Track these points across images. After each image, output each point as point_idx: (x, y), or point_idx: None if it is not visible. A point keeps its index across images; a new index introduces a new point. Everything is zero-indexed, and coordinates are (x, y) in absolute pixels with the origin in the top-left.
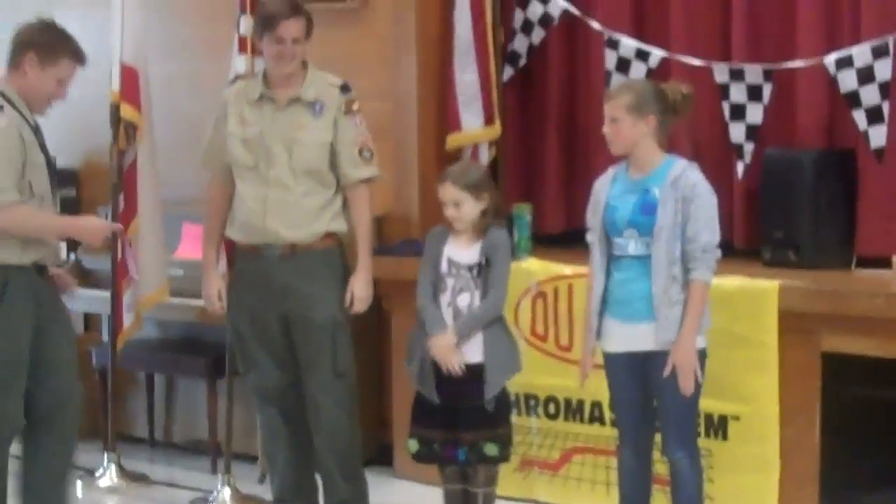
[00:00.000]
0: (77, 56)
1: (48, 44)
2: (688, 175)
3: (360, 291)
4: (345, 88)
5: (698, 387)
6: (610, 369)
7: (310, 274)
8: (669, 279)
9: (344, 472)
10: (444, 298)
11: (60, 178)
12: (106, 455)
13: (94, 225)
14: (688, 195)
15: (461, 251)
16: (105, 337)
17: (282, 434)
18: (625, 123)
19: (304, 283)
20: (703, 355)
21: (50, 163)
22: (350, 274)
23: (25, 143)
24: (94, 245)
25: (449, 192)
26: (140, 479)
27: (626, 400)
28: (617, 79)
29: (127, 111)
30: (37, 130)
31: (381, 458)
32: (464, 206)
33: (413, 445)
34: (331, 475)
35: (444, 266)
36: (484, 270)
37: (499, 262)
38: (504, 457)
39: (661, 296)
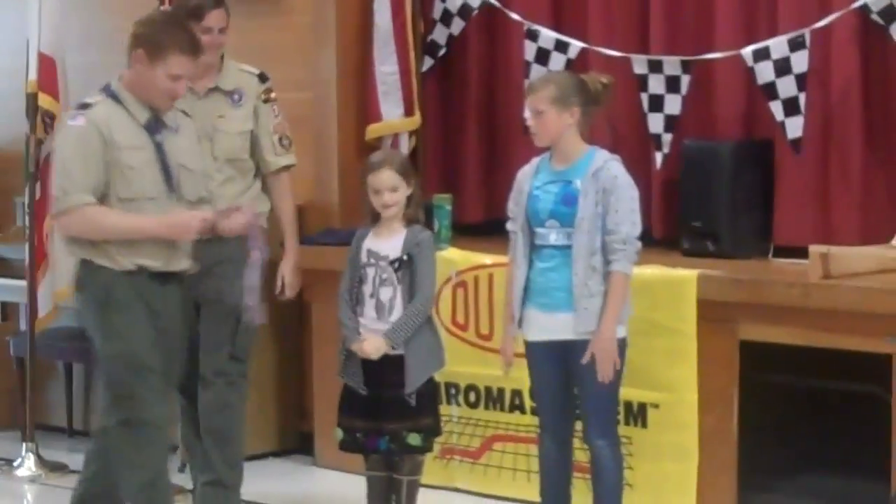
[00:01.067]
0: (187, 49)
1: (156, 39)
2: (609, 167)
3: (290, 277)
4: (262, 77)
5: (619, 375)
6: (531, 358)
7: (228, 259)
8: (589, 270)
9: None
10: (366, 289)
11: None
12: (24, 445)
13: (181, 220)
14: (608, 187)
15: (381, 242)
16: (23, 326)
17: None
18: (549, 115)
19: (219, 268)
20: (623, 344)
21: (167, 164)
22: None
23: (110, 144)
24: (187, 240)
25: (387, 177)
26: (59, 468)
27: (547, 388)
28: (536, 70)
29: (45, 100)
30: (154, 128)
31: (302, 447)
32: (399, 191)
33: (338, 434)
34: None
35: (363, 257)
36: (405, 266)
37: (424, 261)
38: (427, 447)
39: (580, 286)
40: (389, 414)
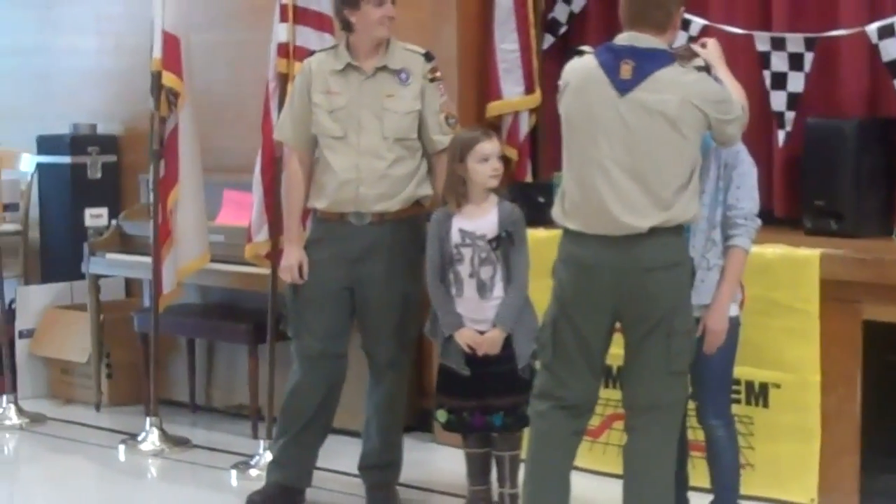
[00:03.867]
0: None
1: None
2: None
3: None
4: (428, 56)
5: (732, 355)
6: None
7: (392, 243)
8: (710, 243)
9: (386, 439)
10: (464, 269)
11: (101, 144)
12: (148, 419)
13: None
14: (730, 162)
15: (474, 222)
16: (147, 302)
17: (317, 391)
18: None
19: (384, 253)
20: (736, 323)
21: None
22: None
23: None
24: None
25: (496, 145)
26: (182, 442)
27: None
28: None
29: (168, 78)
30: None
31: (422, 424)
32: (501, 161)
33: (442, 415)
34: (372, 438)
35: (455, 237)
36: (504, 243)
37: (521, 240)
38: None
39: (698, 259)
40: (502, 390)
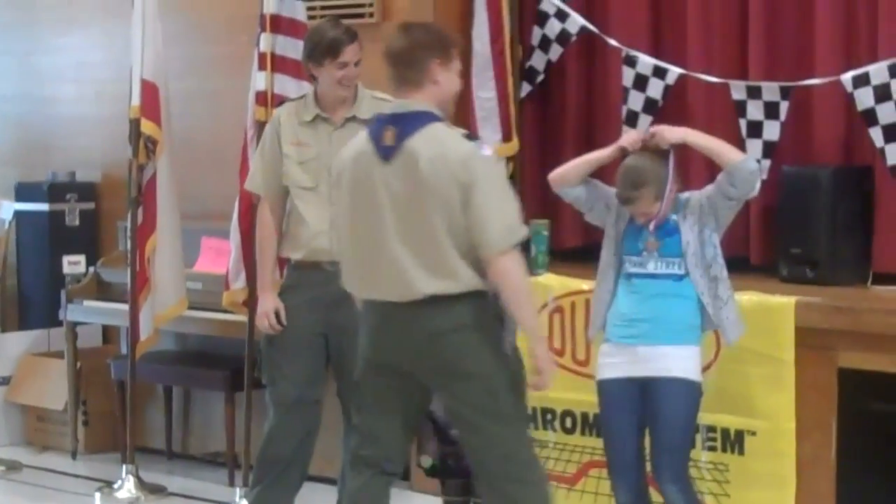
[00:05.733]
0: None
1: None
2: (692, 195)
3: None
4: None
5: (692, 420)
6: (603, 395)
7: None
8: (712, 283)
9: None
10: None
11: (80, 191)
12: (124, 467)
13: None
14: (695, 198)
15: None
16: (124, 349)
17: (292, 437)
18: (654, 207)
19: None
20: (697, 390)
21: None
22: None
23: None
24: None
25: None
26: (158, 490)
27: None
28: (634, 96)
29: (147, 126)
30: None
31: None
32: None
33: (426, 461)
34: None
35: None
36: None
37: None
38: None
39: (711, 301)
40: None
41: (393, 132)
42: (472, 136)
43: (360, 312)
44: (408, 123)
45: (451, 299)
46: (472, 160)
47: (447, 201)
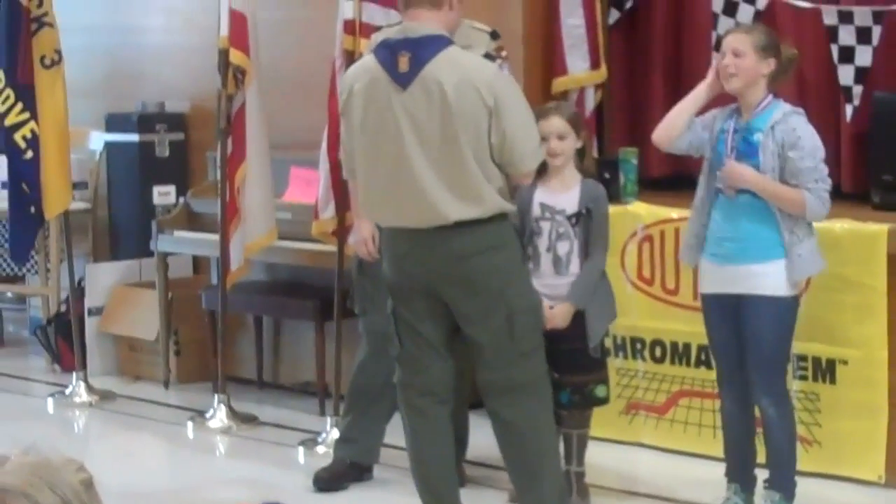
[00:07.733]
0: None
1: None
2: (789, 121)
3: None
4: (494, 35)
5: (787, 335)
6: (705, 310)
7: None
8: (789, 218)
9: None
10: (542, 243)
11: (169, 122)
12: (216, 396)
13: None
14: (788, 142)
15: (555, 196)
16: (214, 280)
17: (384, 367)
18: (749, 60)
19: None
20: (793, 303)
21: None
22: None
23: None
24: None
25: (555, 124)
26: (249, 419)
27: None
28: (724, 22)
29: (236, 56)
30: None
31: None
32: (567, 139)
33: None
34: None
35: (536, 210)
36: (583, 220)
37: (601, 217)
38: (609, 398)
39: (788, 236)
40: (571, 367)
41: (408, 58)
42: (491, 55)
43: (383, 241)
44: (423, 48)
45: (477, 223)
46: (496, 83)
47: (475, 126)
